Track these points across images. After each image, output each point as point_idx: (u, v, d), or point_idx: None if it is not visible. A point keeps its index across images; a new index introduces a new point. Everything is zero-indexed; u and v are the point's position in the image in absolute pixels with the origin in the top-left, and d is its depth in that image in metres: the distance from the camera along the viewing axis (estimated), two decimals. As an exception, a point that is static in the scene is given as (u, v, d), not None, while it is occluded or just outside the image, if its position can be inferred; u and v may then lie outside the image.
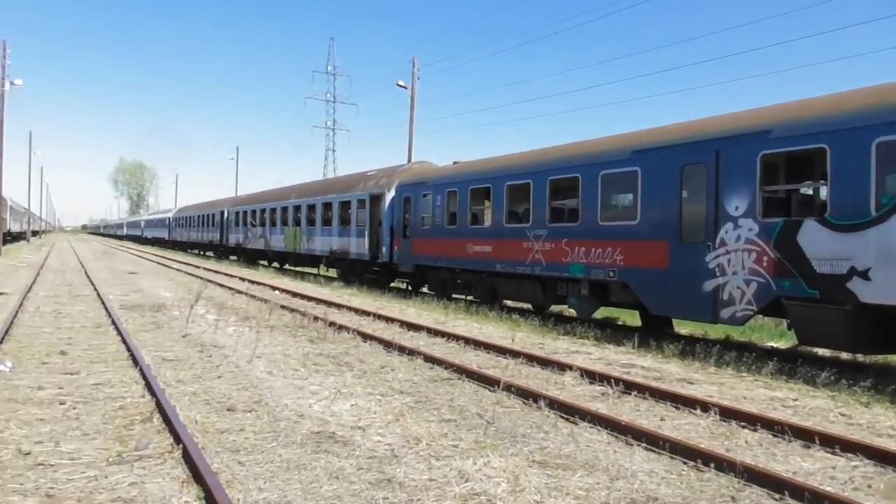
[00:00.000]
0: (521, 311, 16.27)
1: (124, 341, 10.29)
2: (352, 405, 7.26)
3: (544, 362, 9.78)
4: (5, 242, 42.35)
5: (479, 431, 6.42)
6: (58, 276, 24.94)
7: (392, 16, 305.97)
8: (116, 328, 11.64)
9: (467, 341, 11.60)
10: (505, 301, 17.41)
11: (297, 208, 30.27)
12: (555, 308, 16.83)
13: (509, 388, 7.92)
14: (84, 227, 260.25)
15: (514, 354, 10.37)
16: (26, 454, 5.34)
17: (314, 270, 30.43)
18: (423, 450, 5.81)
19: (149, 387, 7.38)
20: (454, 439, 6.13)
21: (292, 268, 33.89)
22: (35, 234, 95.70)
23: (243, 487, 4.81)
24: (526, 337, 12.72)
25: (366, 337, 11.76)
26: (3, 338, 10.13)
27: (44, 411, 6.60)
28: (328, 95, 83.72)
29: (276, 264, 36.01)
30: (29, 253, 44.29)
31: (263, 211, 35.33)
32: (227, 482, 4.83)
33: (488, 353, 10.82)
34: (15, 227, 63.93)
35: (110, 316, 13.14)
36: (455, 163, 20.08)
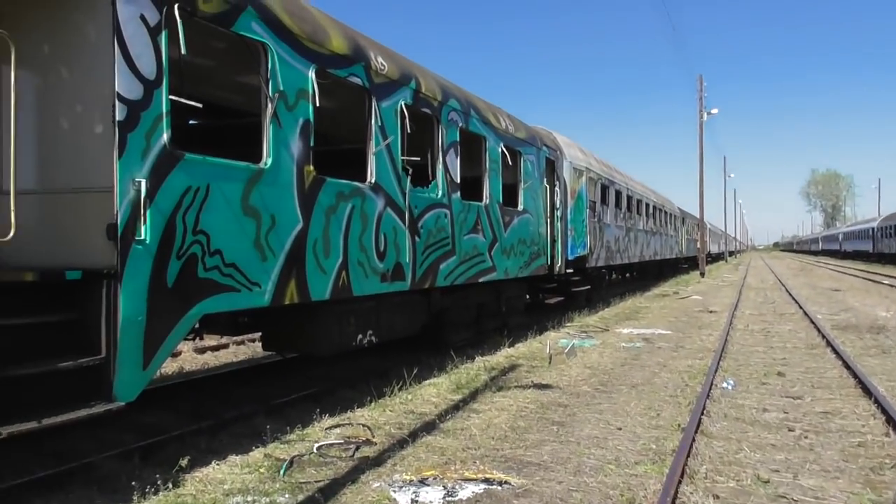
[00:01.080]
0: None
1: (846, 366, 9.27)
2: None
3: None
4: (707, 263, 46.08)
5: None
6: (758, 293, 25.31)
7: None
8: (833, 350, 10.68)
9: None
10: None
11: None
12: None
13: None
14: (776, 245, 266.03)
15: None
16: (765, 482, 5.01)
17: None
18: None
19: (892, 423, 6.23)
20: None
21: None
22: (731, 254, 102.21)
23: None
24: None
25: None
26: (720, 355, 10.45)
27: (773, 436, 6.24)
28: None
29: None
30: (727, 272, 47.01)
31: None
32: None
33: None
34: (714, 249, 69.33)
35: (823, 337, 12.24)
36: None
